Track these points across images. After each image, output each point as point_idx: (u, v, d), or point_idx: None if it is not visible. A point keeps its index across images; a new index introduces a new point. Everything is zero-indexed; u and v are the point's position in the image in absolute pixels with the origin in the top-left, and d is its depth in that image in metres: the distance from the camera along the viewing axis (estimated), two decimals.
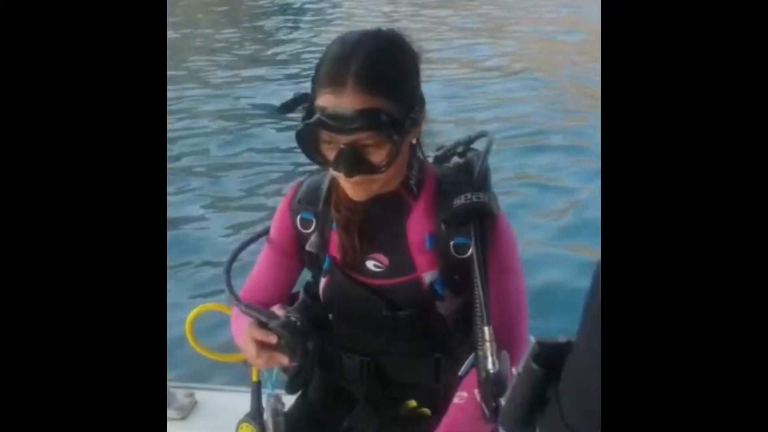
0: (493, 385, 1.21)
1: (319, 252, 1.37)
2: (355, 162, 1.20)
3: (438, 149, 1.46)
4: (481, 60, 8.66)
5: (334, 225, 1.35)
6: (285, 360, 1.24)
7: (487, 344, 1.21)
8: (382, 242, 1.33)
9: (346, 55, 1.19)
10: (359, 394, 1.44)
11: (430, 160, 1.41)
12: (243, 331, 1.27)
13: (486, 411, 1.23)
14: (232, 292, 1.35)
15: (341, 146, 1.20)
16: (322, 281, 1.38)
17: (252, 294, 1.41)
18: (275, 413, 1.42)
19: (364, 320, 1.36)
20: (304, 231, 1.38)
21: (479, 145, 1.41)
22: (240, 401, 1.81)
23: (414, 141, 1.29)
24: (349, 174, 1.21)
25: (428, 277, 1.31)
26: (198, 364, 2.54)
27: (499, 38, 9.94)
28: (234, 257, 1.39)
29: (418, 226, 1.32)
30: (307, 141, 1.23)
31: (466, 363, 1.30)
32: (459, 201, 1.28)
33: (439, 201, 1.31)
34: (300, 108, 1.25)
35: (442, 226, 1.29)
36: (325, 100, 1.18)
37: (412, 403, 1.43)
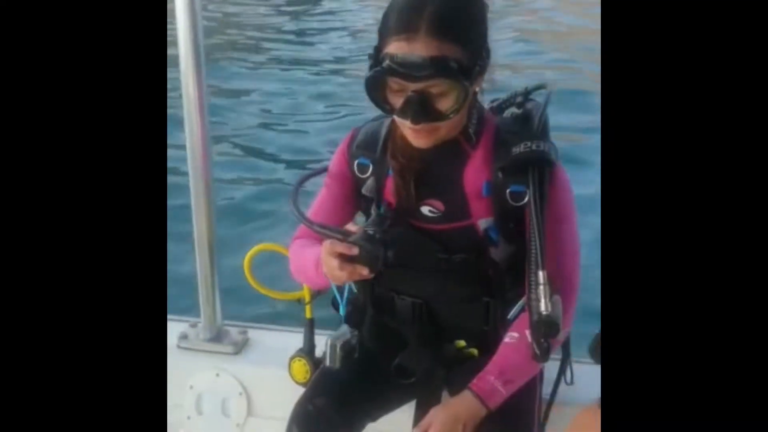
0: (545, 327, 1.26)
1: (375, 196, 1.42)
2: (422, 109, 1.23)
3: (493, 101, 1.49)
4: None
5: (390, 171, 1.39)
6: (365, 271, 1.26)
7: (541, 287, 1.26)
8: (439, 188, 1.37)
9: (419, 2, 1.21)
10: (410, 334, 1.49)
11: (493, 105, 1.44)
12: (322, 249, 1.29)
13: (537, 350, 1.29)
14: (302, 216, 1.39)
15: (409, 93, 1.23)
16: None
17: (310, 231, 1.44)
18: (342, 345, 1.47)
19: (418, 264, 1.40)
20: (361, 176, 1.43)
21: (538, 97, 1.44)
22: (290, 339, 1.89)
23: (477, 89, 1.32)
24: (416, 121, 1.24)
25: (483, 223, 1.36)
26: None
27: None
28: (297, 187, 1.45)
29: (475, 174, 1.35)
30: (376, 89, 1.26)
31: (516, 307, 1.38)
32: (518, 149, 1.32)
33: (498, 149, 1.35)
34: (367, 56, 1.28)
35: (500, 174, 1.33)
36: (396, 47, 1.21)
37: (461, 343, 1.49)
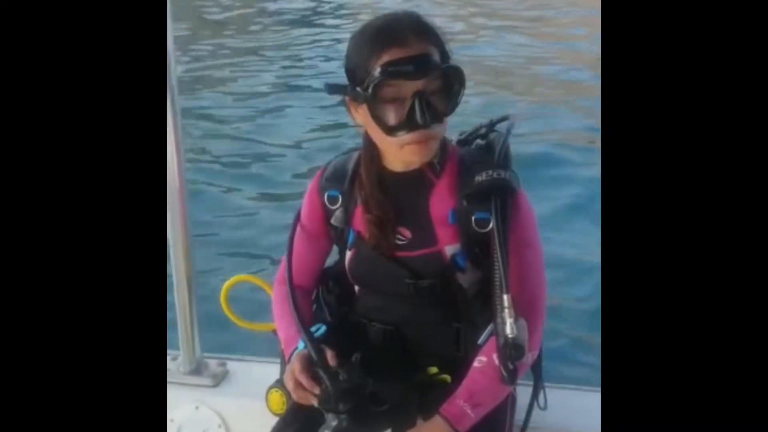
0: (511, 350, 1.28)
1: (344, 226, 1.47)
2: (428, 110, 1.28)
3: (461, 134, 1.55)
4: None
5: (358, 201, 1.44)
6: (315, 401, 1.35)
7: (506, 311, 1.29)
8: (406, 217, 1.41)
9: (393, 20, 1.33)
10: (382, 362, 1.49)
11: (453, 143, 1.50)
12: (289, 365, 1.41)
13: (504, 374, 1.31)
14: (295, 313, 1.41)
15: (409, 100, 1.29)
16: (348, 254, 1.47)
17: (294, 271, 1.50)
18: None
19: (388, 290, 1.44)
20: (331, 207, 1.48)
21: (501, 128, 1.50)
22: (270, 370, 1.90)
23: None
24: (425, 123, 1.29)
25: (450, 249, 1.39)
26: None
27: None
28: (289, 256, 1.50)
29: (440, 202, 1.40)
30: (376, 105, 1.29)
31: (486, 332, 1.40)
32: (480, 177, 1.37)
33: (462, 178, 1.40)
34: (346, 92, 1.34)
35: (464, 202, 1.38)
36: (390, 55, 1.28)
37: (433, 369, 1.51)
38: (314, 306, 1.59)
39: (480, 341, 1.41)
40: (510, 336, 1.28)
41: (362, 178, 1.43)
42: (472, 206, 1.37)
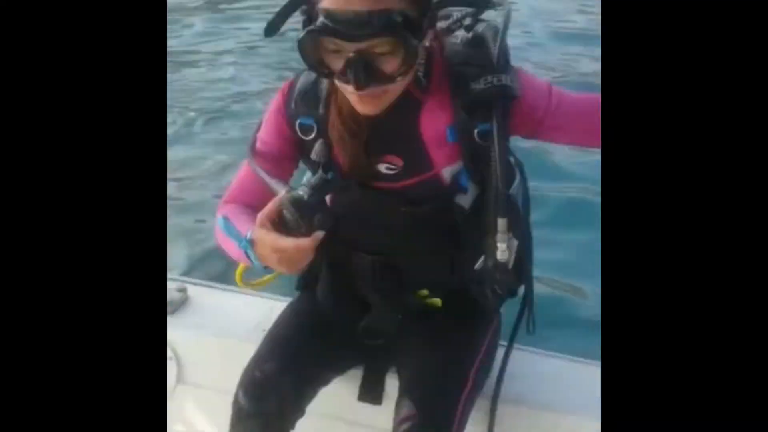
0: (500, 274, 1.20)
1: (323, 160, 1.23)
2: (366, 72, 1.07)
3: (439, 18, 1.27)
4: None
5: (336, 131, 1.23)
6: (298, 264, 1.14)
7: (499, 235, 1.17)
8: (394, 143, 1.23)
9: None
10: (370, 293, 1.37)
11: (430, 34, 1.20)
12: (257, 239, 1.14)
13: (489, 297, 1.27)
14: (253, 163, 1.25)
15: (350, 55, 1.06)
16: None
17: (242, 196, 1.30)
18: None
19: (377, 222, 1.28)
20: (305, 138, 1.25)
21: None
22: (233, 301, 1.73)
23: (428, 43, 1.14)
24: (360, 87, 1.08)
25: (449, 171, 1.23)
26: None
27: None
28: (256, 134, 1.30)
29: (433, 120, 1.21)
30: (311, 51, 1.09)
31: (483, 258, 1.25)
32: (478, 86, 1.17)
33: (454, 88, 1.20)
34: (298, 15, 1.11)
35: (463, 115, 1.19)
36: (331, 2, 1.04)
37: (424, 292, 1.38)
38: None
39: (477, 266, 1.25)
40: (501, 261, 1.18)
41: (338, 104, 1.20)
42: (473, 118, 1.18)
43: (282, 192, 1.13)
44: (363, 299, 1.39)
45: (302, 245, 1.09)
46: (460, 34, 1.23)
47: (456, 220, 1.25)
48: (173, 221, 2.90)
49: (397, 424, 1.25)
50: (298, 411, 1.34)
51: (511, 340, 1.46)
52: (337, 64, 1.09)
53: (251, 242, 1.14)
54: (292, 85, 1.27)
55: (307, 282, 1.47)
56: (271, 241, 1.10)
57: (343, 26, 1.04)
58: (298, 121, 1.24)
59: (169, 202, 2.81)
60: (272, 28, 1.12)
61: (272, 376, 1.32)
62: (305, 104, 1.24)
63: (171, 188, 3.47)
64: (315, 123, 1.23)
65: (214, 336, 1.63)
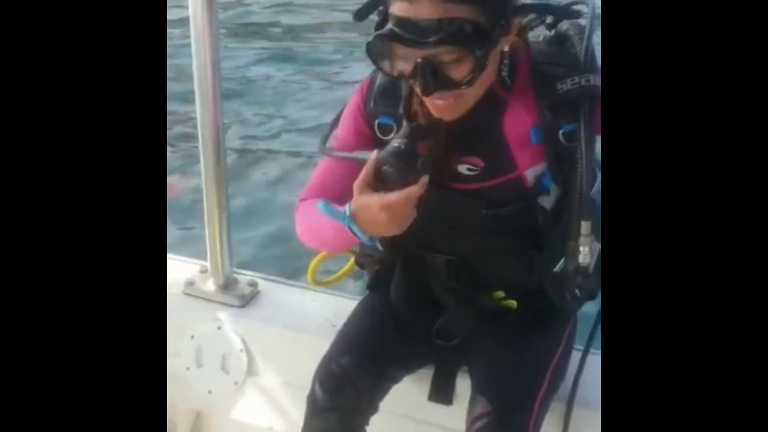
0: (581, 278, 1.19)
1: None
2: (432, 78, 1.06)
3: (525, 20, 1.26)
4: None
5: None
6: (406, 219, 1.12)
7: (582, 238, 1.16)
8: (476, 144, 1.21)
9: None
10: (443, 293, 1.37)
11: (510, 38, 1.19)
12: (356, 198, 1.13)
13: (569, 299, 1.24)
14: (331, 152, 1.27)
15: (417, 60, 1.05)
16: None
17: (322, 191, 1.29)
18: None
19: (455, 223, 1.27)
20: (384, 137, 1.24)
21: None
22: (302, 297, 1.74)
23: (506, 47, 1.13)
24: (427, 92, 1.08)
25: (532, 172, 1.21)
26: None
27: None
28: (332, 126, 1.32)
29: (517, 121, 1.19)
30: (380, 54, 1.09)
31: (562, 261, 1.25)
32: (565, 86, 1.15)
33: (539, 88, 1.17)
34: (376, 12, 1.11)
35: (548, 115, 1.17)
36: (399, 8, 1.04)
37: (500, 294, 1.36)
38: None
39: (557, 269, 1.25)
40: (583, 264, 1.17)
41: (419, 104, 1.18)
42: (558, 119, 1.16)
43: (372, 154, 1.12)
44: (437, 300, 1.38)
45: (413, 192, 1.08)
46: (542, 33, 1.23)
47: (537, 222, 1.23)
48: None
49: (471, 421, 1.24)
50: (373, 407, 1.35)
51: (588, 344, 1.42)
52: (407, 67, 1.08)
53: (353, 216, 1.14)
54: (370, 84, 1.26)
55: (378, 281, 1.47)
56: (377, 201, 1.09)
57: (410, 33, 1.03)
58: (377, 121, 1.24)
59: None
60: (361, 14, 1.13)
61: (349, 371, 1.32)
62: (385, 103, 1.23)
63: None
64: (395, 123, 1.22)
65: (285, 329, 1.64)
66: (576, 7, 1.19)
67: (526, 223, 1.23)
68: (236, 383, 1.69)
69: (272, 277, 1.83)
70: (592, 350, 1.42)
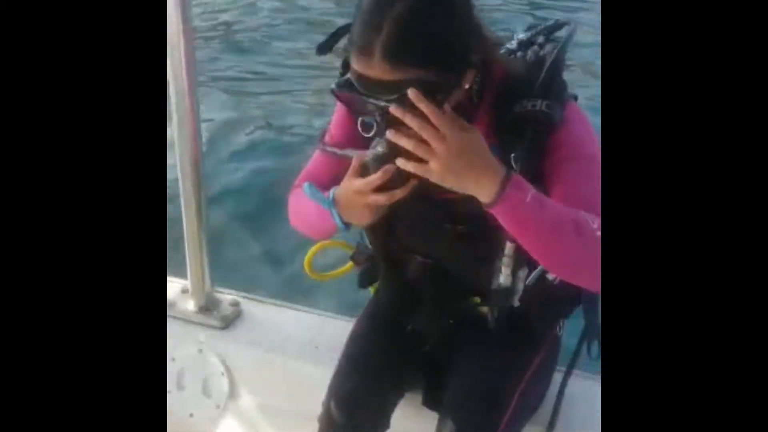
0: (499, 298, 1.23)
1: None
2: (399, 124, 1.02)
3: (529, 28, 1.27)
4: None
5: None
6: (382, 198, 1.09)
7: (505, 259, 1.18)
8: None
9: (376, 17, 1.02)
10: (422, 293, 1.39)
11: (515, 44, 1.23)
12: (344, 186, 1.14)
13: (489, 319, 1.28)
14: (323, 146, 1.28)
15: (380, 107, 1.05)
16: None
17: (313, 179, 1.30)
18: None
19: (426, 228, 1.30)
20: (366, 135, 1.24)
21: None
22: (285, 316, 1.70)
23: (467, 85, 1.11)
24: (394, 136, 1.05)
25: None
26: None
27: None
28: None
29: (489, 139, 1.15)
30: (346, 98, 1.11)
31: (534, 273, 1.23)
32: (519, 108, 1.12)
33: (499, 109, 1.15)
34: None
35: (504, 137, 1.14)
36: (355, 64, 1.05)
37: (476, 299, 1.36)
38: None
39: (528, 282, 1.23)
40: (502, 285, 1.20)
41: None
42: (509, 143, 1.13)
43: (358, 154, 1.13)
44: (418, 302, 1.39)
45: (373, 180, 1.06)
46: (532, 51, 1.21)
47: (499, 234, 1.18)
48: None
49: None
50: (387, 424, 1.36)
51: (570, 365, 1.40)
52: (372, 109, 1.07)
53: (334, 201, 1.15)
54: None
55: (368, 279, 1.49)
56: (358, 183, 1.09)
57: (366, 89, 1.03)
58: (360, 119, 1.24)
59: None
60: (323, 49, 1.16)
61: (364, 388, 1.33)
62: None
63: None
64: (375, 123, 1.20)
65: (266, 352, 1.60)
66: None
67: (488, 236, 1.19)
68: (218, 407, 1.65)
69: (254, 297, 1.79)
70: (580, 372, 1.39)
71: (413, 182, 1.06)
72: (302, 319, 1.69)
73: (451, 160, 0.99)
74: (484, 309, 1.34)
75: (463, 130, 1.01)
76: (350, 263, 1.54)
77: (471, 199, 1.14)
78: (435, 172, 1.00)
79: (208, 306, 1.70)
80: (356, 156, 1.13)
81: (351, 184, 1.11)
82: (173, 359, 1.67)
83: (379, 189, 1.07)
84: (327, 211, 1.17)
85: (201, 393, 1.66)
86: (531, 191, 1.04)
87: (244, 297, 1.77)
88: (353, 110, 1.14)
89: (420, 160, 1.00)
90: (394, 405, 1.38)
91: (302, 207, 1.29)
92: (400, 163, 1.02)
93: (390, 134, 1.02)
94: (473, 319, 1.34)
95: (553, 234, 1.05)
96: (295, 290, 1.73)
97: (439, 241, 1.29)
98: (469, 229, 1.23)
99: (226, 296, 1.76)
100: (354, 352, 1.40)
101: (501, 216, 1.05)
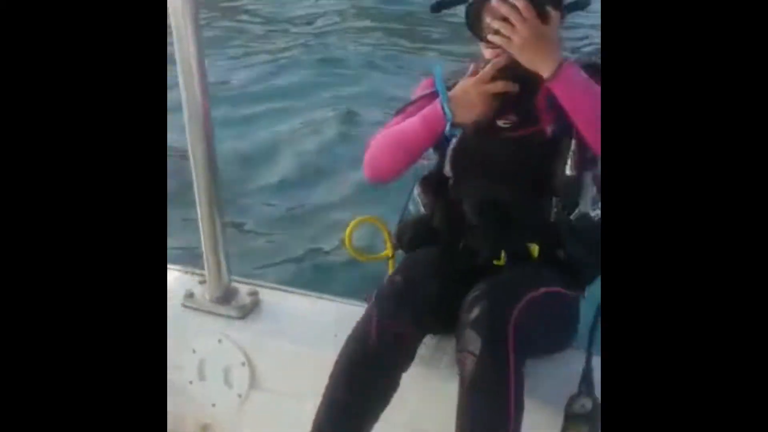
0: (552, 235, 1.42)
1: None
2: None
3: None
4: None
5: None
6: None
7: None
8: (514, 104, 1.42)
9: None
10: (478, 224, 1.49)
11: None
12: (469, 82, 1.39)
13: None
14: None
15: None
16: (453, 142, 1.49)
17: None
18: None
19: (491, 169, 1.47)
20: None
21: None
22: (304, 304, 1.70)
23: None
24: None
25: (550, 127, 1.43)
26: None
27: None
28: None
29: (545, 89, 1.37)
30: (473, 17, 1.35)
31: (576, 211, 1.43)
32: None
33: None
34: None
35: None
36: None
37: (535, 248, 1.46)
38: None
39: (572, 216, 1.43)
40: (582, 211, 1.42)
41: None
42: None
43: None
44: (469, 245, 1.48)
45: (484, 74, 1.36)
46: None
47: (557, 172, 1.41)
48: None
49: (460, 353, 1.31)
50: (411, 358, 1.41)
51: (590, 345, 1.39)
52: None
53: (450, 98, 1.38)
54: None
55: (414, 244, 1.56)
56: (474, 78, 1.37)
57: None
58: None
59: None
60: (438, 7, 1.42)
61: (412, 290, 1.39)
62: (448, 78, 1.46)
63: None
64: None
65: (286, 341, 1.60)
66: None
67: (546, 171, 1.42)
68: (240, 396, 1.66)
69: (273, 285, 1.79)
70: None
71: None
72: (320, 306, 1.69)
73: (528, 39, 1.29)
74: (534, 248, 1.44)
75: (543, 21, 1.30)
76: (387, 251, 1.61)
77: (533, 134, 1.43)
78: (515, 45, 1.30)
79: (226, 296, 1.71)
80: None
81: (467, 81, 1.38)
82: (194, 350, 1.68)
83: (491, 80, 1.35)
84: (433, 116, 1.39)
85: (222, 383, 1.66)
86: (583, 73, 1.33)
87: (262, 285, 1.77)
88: (479, 27, 1.35)
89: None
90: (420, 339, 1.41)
91: (396, 130, 1.47)
92: (491, 37, 1.31)
93: (490, 20, 1.31)
94: (518, 254, 1.44)
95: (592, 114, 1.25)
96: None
97: (498, 181, 1.46)
98: (527, 159, 1.44)
99: (244, 286, 1.76)
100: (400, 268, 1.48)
101: (559, 89, 1.31)
